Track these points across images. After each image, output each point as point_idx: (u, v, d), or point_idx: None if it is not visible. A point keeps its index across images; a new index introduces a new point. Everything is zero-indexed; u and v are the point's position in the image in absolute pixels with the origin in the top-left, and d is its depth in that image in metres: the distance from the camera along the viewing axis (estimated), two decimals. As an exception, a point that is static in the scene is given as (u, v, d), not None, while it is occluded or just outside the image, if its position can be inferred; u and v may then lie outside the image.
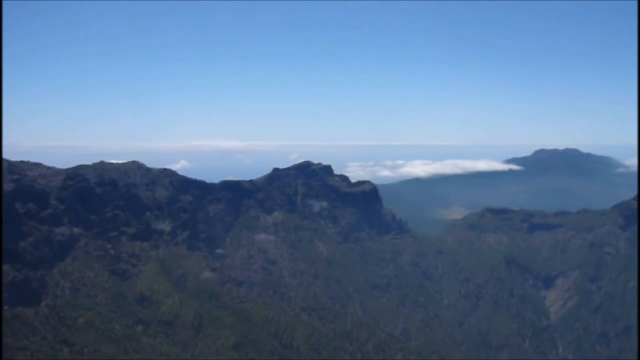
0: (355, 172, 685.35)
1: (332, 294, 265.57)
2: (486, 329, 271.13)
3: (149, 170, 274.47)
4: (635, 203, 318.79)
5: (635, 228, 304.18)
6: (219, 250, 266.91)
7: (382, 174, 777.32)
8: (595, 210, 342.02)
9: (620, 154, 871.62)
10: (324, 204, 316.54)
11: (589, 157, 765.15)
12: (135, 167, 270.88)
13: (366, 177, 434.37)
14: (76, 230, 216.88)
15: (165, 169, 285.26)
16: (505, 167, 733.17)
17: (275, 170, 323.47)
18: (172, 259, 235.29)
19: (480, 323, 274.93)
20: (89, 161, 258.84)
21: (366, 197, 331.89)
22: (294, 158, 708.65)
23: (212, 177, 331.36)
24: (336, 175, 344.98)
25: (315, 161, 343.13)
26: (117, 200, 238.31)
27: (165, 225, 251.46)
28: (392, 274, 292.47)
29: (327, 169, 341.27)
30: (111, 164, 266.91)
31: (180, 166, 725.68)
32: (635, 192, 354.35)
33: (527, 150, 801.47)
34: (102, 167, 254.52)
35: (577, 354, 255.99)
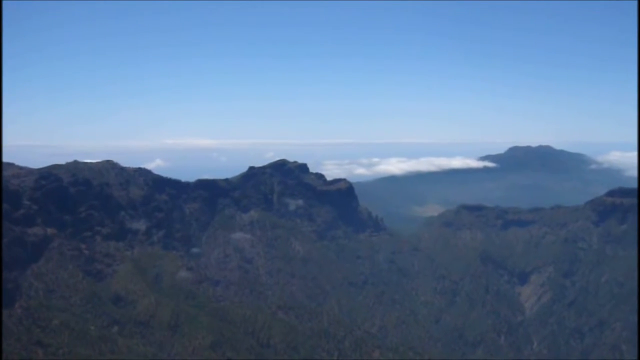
0: (331, 170, 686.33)
1: (309, 292, 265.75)
2: (462, 325, 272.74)
3: (123, 169, 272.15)
4: (609, 199, 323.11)
5: (608, 223, 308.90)
6: (194, 250, 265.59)
7: (357, 171, 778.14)
8: (569, 207, 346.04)
9: (592, 150, 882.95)
10: (300, 202, 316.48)
11: (562, 154, 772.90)
12: (109, 167, 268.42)
13: (342, 175, 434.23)
14: (50, 230, 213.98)
15: (139, 168, 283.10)
16: (479, 164, 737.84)
17: (251, 168, 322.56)
18: (148, 259, 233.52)
19: (456, 319, 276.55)
20: (62, 161, 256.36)
21: (342, 195, 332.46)
22: (270, 156, 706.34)
23: (188, 175, 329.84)
24: (312, 174, 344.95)
25: (291, 159, 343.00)
26: (91, 200, 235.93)
27: (140, 225, 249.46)
28: (368, 272, 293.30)
29: (303, 167, 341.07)
30: (85, 163, 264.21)
31: (155, 165, 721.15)
32: (607, 188, 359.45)
33: (501, 148, 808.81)
34: (75, 167, 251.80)
35: (551, 349, 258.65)
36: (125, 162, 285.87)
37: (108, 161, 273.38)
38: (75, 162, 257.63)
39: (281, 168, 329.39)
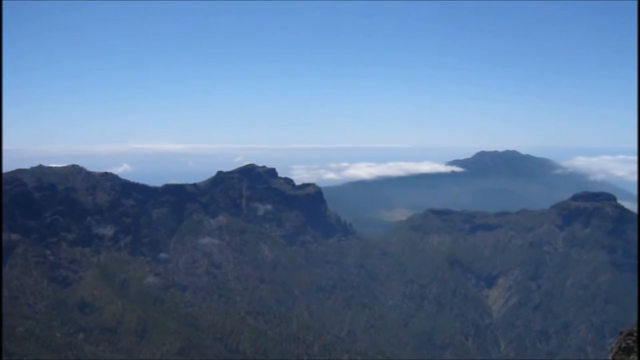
0: (299, 175, 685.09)
1: (278, 297, 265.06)
2: (430, 329, 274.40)
3: (89, 174, 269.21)
4: (573, 203, 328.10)
5: (573, 227, 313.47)
6: (162, 255, 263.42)
7: (326, 176, 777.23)
8: (535, 211, 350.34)
9: (558, 155, 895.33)
10: (269, 207, 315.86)
11: (528, 159, 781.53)
12: (75, 171, 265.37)
13: (311, 180, 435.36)
14: (14, 236, 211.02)
15: (106, 173, 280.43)
16: (447, 169, 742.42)
17: (220, 173, 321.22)
18: (114, 265, 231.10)
19: (425, 323, 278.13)
20: (26, 165, 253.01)
21: (311, 199, 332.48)
22: (239, 161, 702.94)
23: (155, 180, 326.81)
24: (281, 178, 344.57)
25: (260, 164, 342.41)
26: (57, 205, 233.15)
27: (107, 230, 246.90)
28: (337, 276, 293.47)
29: (272, 172, 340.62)
30: (50, 168, 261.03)
31: (122, 170, 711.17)
32: (572, 193, 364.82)
33: (468, 153, 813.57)
34: (40, 171, 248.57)
35: (518, 351, 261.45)
36: (91, 166, 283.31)
37: (74, 166, 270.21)
38: (40, 167, 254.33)
39: (250, 173, 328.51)
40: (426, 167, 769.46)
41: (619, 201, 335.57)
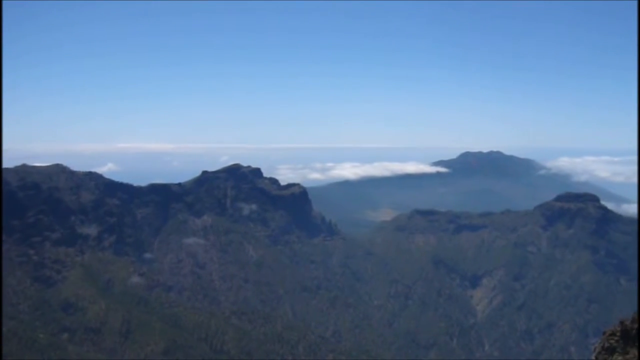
0: (285, 175, 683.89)
1: (263, 297, 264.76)
2: (415, 329, 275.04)
3: (73, 173, 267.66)
4: (557, 204, 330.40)
5: (557, 227, 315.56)
6: (147, 255, 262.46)
7: (311, 176, 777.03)
8: (519, 211, 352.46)
9: (541, 156, 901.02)
10: (254, 206, 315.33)
11: (512, 159, 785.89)
12: (59, 170, 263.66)
13: (296, 180, 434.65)
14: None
15: (90, 172, 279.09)
16: (432, 169, 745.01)
17: (205, 173, 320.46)
18: (99, 265, 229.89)
19: (409, 323, 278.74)
20: (10, 164, 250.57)
21: (296, 199, 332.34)
22: (224, 161, 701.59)
23: (140, 180, 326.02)
24: (266, 178, 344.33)
25: (245, 164, 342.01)
26: (40, 205, 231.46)
27: (91, 230, 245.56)
28: (322, 276, 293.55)
29: (257, 172, 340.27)
30: (34, 167, 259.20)
31: (106, 169, 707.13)
32: (556, 193, 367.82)
33: (453, 153, 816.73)
34: (24, 171, 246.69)
35: (502, 351, 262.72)
36: (75, 166, 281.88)
37: (58, 165, 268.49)
38: (24, 166, 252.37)
39: (235, 172, 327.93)
40: (411, 168, 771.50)
41: (602, 202, 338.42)
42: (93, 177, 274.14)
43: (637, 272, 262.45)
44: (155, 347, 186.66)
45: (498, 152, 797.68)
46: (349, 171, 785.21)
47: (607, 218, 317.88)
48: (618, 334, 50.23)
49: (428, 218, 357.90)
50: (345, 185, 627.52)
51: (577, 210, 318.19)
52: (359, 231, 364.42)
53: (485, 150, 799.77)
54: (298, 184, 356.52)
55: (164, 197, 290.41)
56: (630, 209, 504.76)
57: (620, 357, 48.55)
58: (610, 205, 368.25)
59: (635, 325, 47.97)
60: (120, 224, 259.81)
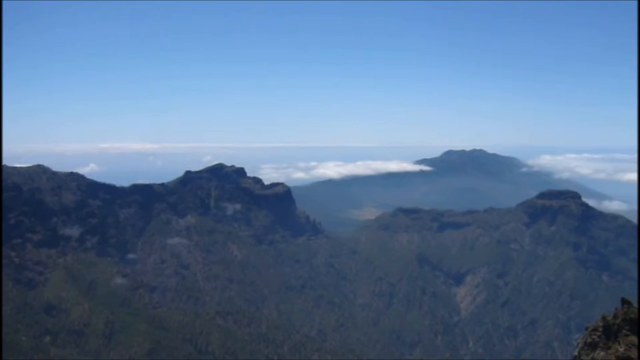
0: (268, 174, 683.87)
1: (247, 297, 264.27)
2: (400, 327, 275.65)
3: (55, 174, 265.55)
4: (539, 201, 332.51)
5: (539, 224, 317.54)
6: (130, 256, 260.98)
7: (295, 175, 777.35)
8: (501, 209, 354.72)
9: (524, 154, 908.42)
10: (238, 206, 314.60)
11: (495, 157, 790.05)
12: (40, 171, 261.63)
13: (280, 179, 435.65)
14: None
15: (72, 173, 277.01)
16: (415, 167, 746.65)
17: (188, 172, 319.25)
18: (81, 266, 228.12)
19: (394, 321, 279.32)
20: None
21: (280, 199, 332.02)
22: (207, 160, 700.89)
23: (122, 180, 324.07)
24: (249, 178, 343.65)
25: (229, 163, 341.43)
26: (22, 206, 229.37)
27: (73, 231, 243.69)
28: (306, 275, 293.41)
29: (241, 171, 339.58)
30: (14, 168, 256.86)
31: (88, 169, 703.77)
32: (538, 191, 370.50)
33: (436, 152, 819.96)
34: (4, 172, 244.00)
35: (486, 348, 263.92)
36: (57, 166, 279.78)
37: (39, 165, 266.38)
38: (4, 167, 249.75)
39: (218, 172, 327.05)
40: (395, 166, 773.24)
41: (584, 199, 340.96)
42: (75, 178, 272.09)
43: (619, 268, 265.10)
44: (140, 349, 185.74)
45: (481, 151, 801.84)
46: (332, 170, 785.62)
47: (589, 215, 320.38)
48: (600, 329, 50.68)
49: (412, 216, 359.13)
50: (329, 184, 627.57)
51: (559, 207, 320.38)
52: (343, 230, 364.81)
53: (468, 148, 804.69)
54: (282, 184, 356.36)
55: (146, 197, 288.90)
56: (611, 206, 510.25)
57: (602, 352, 49.01)
58: (591, 202, 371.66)
59: (617, 321, 48.41)
60: (103, 225, 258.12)
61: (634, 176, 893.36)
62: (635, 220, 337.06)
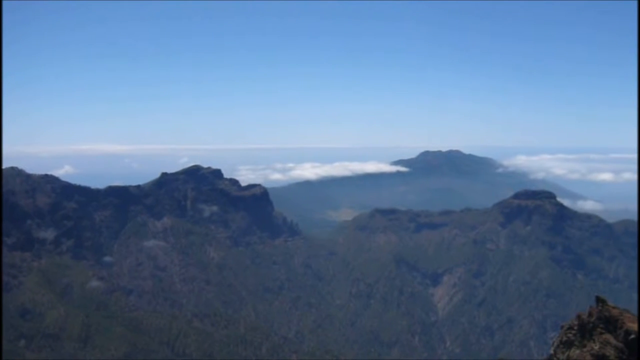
0: (245, 176, 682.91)
1: (225, 299, 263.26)
2: (377, 327, 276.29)
3: (29, 176, 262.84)
4: (515, 201, 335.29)
5: (515, 224, 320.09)
6: (106, 258, 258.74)
7: (272, 177, 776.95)
8: (478, 209, 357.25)
9: (499, 154, 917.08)
10: (215, 208, 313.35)
11: (471, 158, 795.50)
12: (14, 174, 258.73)
13: (257, 181, 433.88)
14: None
15: (46, 175, 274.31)
16: (392, 168, 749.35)
17: (164, 174, 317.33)
18: (56, 269, 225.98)
19: (372, 321, 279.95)
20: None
21: (257, 200, 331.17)
22: (184, 162, 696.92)
23: (98, 182, 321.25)
24: (226, 179, 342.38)
25: (205, 165, 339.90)
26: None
27: (48, 234, 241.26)
28: (284, 277, 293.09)
29: (217, 173, 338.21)
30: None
31: (63, 172, 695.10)
32: (514, 191, 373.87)
33: (413, 152, 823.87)
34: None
35: (463, 347, 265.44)
36: (31, 168, 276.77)
37: (13, 168, 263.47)
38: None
39: (195, 174, 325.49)
40: (371, 167, 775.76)
41: (559, 199, 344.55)
42: (49, 180, 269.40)
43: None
44: (116, 352, 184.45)
45: (457, 151, 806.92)
46: (309, 171, 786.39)
47: (564, 215, 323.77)
48: (575, 327, 51.36)
49: (388, 217, 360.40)
50: (306, 185, 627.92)
51: (535, 207, 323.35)
52: (321, 231, 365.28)
53: (444, 149, 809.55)
54: (259, 185, 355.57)
55: (122, 199, 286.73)
56: (585, 206, 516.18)
57: (578, 350, 49.63)
58: (566, 202, 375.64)
59: (592, 319, 49.07)
60: (78, 228, 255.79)
61: (608, 176, 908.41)
62: (609, 219, 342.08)
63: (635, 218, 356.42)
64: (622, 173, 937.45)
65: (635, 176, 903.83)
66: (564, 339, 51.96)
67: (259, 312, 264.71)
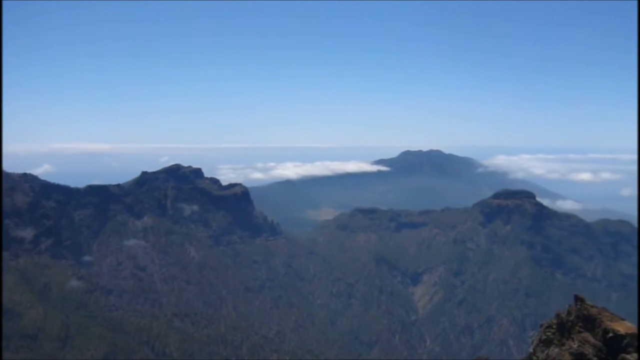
0: (226, 175, 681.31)
1: (205, 299, 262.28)
2: (358, 327, 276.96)
3: (7, 175, 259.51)
4: (494, 201, 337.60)
5: (494, 224, 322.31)
6: (85, 258, 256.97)
7: (253, 176, 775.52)
8: (458, 209, 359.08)
9: (480, 154, 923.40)
10: (195, 207, 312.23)
11: (451, 158, 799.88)
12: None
13: (237, 180, 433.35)
14: None
15: (25, 174, 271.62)
16: (373, 168, 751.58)
17: (144, 173, 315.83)
18: (35, 269, 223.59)
19: (352, 321, 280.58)
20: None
21: (237, 199, 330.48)
22: (164, 161, 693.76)
23: (78, 181, 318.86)
24: (207, 178, 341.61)
25: (186, 164, 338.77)
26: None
27: (27, 233, 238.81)
28: (265, 276, 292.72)
29: (198, 172, 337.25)
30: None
31: (42, 170, 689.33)
32: (493, 191, 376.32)
33: (393, 152, 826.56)
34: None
35: (444, 346, 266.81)
36: (9, 167, 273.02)
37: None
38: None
39: (175, 173, 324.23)
40: (352, 167, 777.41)
41: (538, 199, 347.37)
42: (28, 179, 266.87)
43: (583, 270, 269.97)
44: (96, 352, 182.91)
45: (438, 151, 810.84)
46: (290, 171, 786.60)
47: (543, 214, 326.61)
48: (554, 326, 51.83)
49: (369, 216, 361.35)
50: (287, 184, 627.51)
51: (514, 207, 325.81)
52: (301, 230, 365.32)
53: (425, 149, 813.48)
54: (240, 184, 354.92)
55: (102, 198, 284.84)
56: (564, 205, 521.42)
57: (556, 349, 50.10)
58: (545, 202, 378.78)
59: (571, 318, 49.55)
60: (57, 227, 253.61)
61: (587, 176, 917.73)
62: (587, 219, 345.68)
63: (613, 217, 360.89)
64: (600, 173, 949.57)
65: (613, 176, 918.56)
66: (543, 337, 52.41)
67: (240, 311, 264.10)
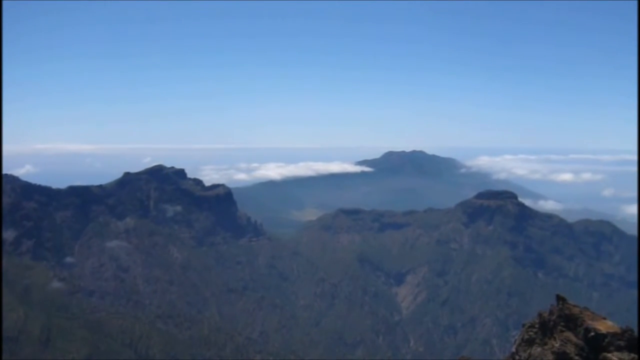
0: (209, 176, 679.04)
1: (189, 300, 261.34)
2: (342, 327, 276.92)
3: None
4: (477, 201, 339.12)
5: (477, 224, 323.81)
6: (67, 259, 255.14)
7: (236, 177, 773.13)
8: (441, 209, 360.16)
9: (462, 155, 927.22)
10: (178, 208, 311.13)
11: (434, 158, 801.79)
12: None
13: (221, 181, 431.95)
14: None
15: (6, 175, 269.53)
16: (356, 168, 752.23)
17: (127, 174, 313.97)
18: (16, 270, 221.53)
19: (336, 321, 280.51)
20: None
21: (221, 200, 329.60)
22: (147, 162, 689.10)
23: (59, 182, 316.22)
24: (190, 179, 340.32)
25: (168, 165, 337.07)
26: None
27: (8, 234, 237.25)
28: (248, 277, 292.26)
29: (181, 173, 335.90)
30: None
31: (24, 171, 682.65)
32: (476, 191, 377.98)
33: (377, 153, 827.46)
34: None
35: (427, 346, 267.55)
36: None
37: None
38: None
39: (158, 174, 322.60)
40: (335, 167, 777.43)
41: (520, 199, 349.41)
42: (9, 180, 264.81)
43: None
44: (77, 355, 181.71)
45: (421, 152, 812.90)
46: (273, 171, 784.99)
47: (525, 214, 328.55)
48: (537, 326, 52.07)
49: (352, 217, 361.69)
50: (270, 185, 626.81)
51: (497, 207, 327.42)
52: (285, 231, 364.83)
53: (408, 149, 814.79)
54: (223, 185, 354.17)
55: (84, 199, 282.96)
56: (546, 205, 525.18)
57: (539, 348, 50.34)
58: (527, 202, 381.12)
59: (553, 317, 49.83)
60: (39, 228, 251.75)
61: (568, 176, 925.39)
62: (569, 219, 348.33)
63: (595, 218, 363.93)
64: (581, 173, 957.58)
65: (594, 176, 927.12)
66: (526, 337, 52.65)
67: (223, 312, 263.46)
